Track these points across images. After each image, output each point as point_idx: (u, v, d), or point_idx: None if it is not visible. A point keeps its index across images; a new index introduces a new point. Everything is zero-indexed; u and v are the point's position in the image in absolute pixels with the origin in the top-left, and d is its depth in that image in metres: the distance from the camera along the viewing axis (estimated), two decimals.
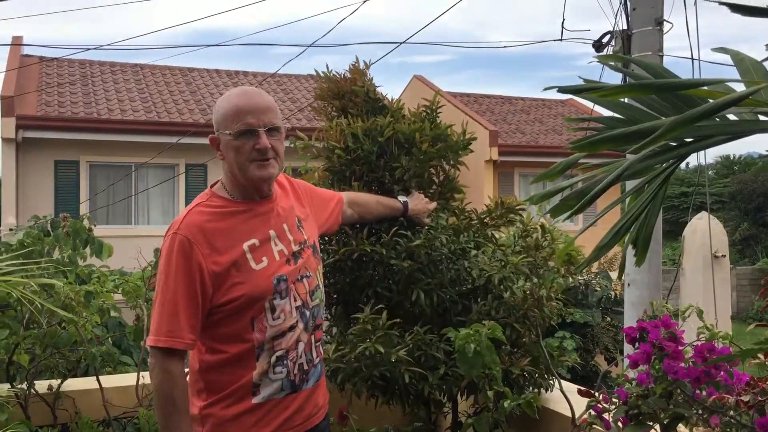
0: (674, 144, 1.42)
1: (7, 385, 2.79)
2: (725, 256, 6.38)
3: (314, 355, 2.04)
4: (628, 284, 4.68)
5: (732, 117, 1.40)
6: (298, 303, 1.98)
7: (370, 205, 2.59)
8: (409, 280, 2.57)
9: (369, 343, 2.37)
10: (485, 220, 2.80)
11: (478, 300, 2.68)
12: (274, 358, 1.93)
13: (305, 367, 2.00)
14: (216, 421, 1.91)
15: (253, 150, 1.90)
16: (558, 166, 1.61)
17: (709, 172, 26.99)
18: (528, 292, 2.65)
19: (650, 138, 1.04)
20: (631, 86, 1.27)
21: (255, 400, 1.91)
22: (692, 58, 4.68)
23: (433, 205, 2.71)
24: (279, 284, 1.93)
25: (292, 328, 1.96)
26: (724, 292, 6.28)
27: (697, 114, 1.03)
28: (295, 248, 2.03)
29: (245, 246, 1.92)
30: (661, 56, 4.50)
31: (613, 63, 2.04)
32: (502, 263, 2.66)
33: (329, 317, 2.84)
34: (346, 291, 2.74)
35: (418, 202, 2.68)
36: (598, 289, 7.47)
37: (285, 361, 1.95)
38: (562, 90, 1.39)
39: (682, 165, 1.51)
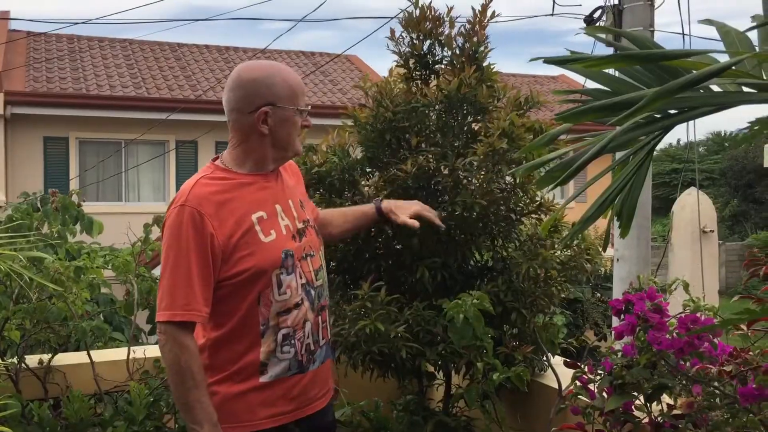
0: (658, 116, 1.43)
1: None
2: (713, 231, 6.43)
3: (320, 336, 2.04)
4: (617, 260, 4.73)
5: (716, 88, 1.41)
6: (303, 281, 1.97)
7: (334, 219, 2.35)
8: (415, 256, 2.53)
9: (368, 320, 2.34)
10: (516, 210, 2.65)
11: (485, 281, 2.62)
12: (280, 336, 1.92)
13: (312, 348, 1.99)
14: (222, 399, 1.90)
15: (300, 127, 2.04)
16: (544, 137, 1.61)
17: (700, 149, 27.00)
18: (541, 276, 2.56)
19: (633, 109, 1.04)
20: (616, 57, 1.27)
21: (262, 379, 1.91)
22: (683, 33, 4.69)
23: (415, 208, 2.34)
24: (287, 259, 1.93)
25: (297, 305, 1.95)
26: (712, 267, 6.34)
27: (679, 85, 1.03)
28: (300, 225, 2.03)
29: (254, 218, 1.91)
30: (652, 31, 4.49)
31: (602, 36, 2.04)
32: (529, 255, 2.55)
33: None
34: (349, 260, 2.66)
35: (397, 202, 2.39)
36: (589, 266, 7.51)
37: (292, 341, 1.94)
38: (548, 61, 1.39)
39: (673, 141, 1.52)
